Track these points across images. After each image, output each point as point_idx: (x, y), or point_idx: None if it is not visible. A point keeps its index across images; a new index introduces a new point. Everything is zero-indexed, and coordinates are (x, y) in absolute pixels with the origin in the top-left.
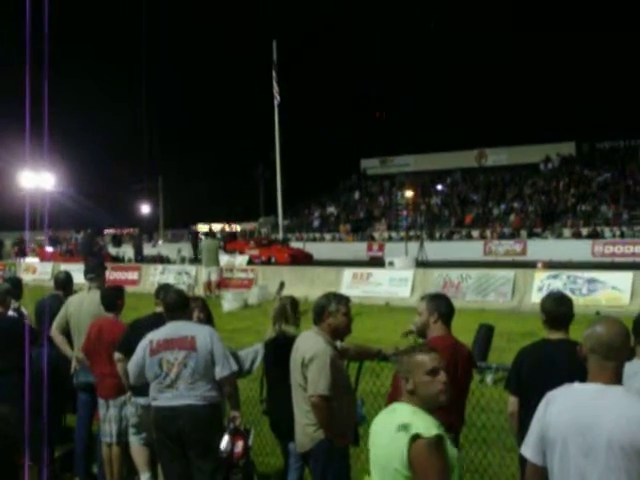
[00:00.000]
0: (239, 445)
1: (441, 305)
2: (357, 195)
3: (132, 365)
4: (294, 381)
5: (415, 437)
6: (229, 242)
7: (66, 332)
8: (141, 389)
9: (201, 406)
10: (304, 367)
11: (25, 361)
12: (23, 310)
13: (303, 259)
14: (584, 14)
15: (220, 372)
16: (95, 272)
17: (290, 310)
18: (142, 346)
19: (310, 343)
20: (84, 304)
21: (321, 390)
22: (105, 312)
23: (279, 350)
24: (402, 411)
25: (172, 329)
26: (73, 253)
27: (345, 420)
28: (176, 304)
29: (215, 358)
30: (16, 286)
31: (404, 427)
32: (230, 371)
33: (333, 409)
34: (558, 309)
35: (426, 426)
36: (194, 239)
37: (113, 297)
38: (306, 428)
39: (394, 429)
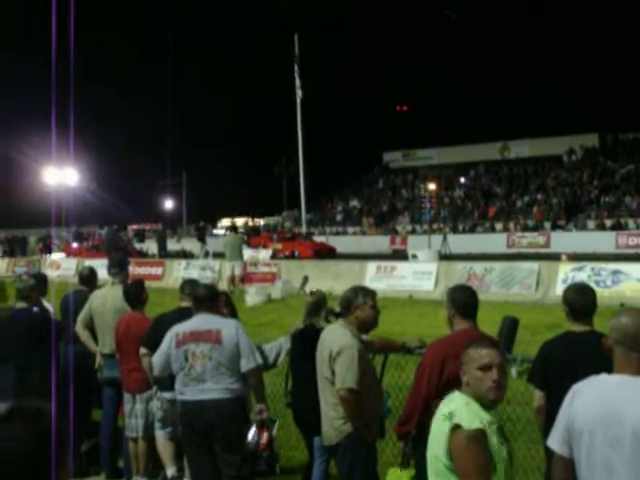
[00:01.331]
0: (264, 437)
1: (457, 297)
2: (380, 188)
3: (158, 356)
4: (320, 374)
5: (455, 427)
6: (252, 237)
7: (90, 327)
8: (167, 384)
9: (226, 399)
10: (331, 360)
11: (52, 357)
12: (47, 305)
13: (326, 253)
14: (605, 4)
15: (246, 365)
16: (118, 267)
17: (323, 304)
18: (168, 338)
19: (337, 336)
20: (108, 299)
21: (349, 383)
22: (130, 308)
23: (307, 342)
24: (455, 400)
25: (199, 322)
26: (100, 249)
27: (372, 413)
28: (206, 296)
29: (241, 351)
30: (41, 282)
31: (449, 416)
32: (255, 364)
33: (361, 402)
34: (581, 300)
35: (470, 418)
36: (201, 235)
37: (138, 293)
38: (334, 421)
39: (442, 416)
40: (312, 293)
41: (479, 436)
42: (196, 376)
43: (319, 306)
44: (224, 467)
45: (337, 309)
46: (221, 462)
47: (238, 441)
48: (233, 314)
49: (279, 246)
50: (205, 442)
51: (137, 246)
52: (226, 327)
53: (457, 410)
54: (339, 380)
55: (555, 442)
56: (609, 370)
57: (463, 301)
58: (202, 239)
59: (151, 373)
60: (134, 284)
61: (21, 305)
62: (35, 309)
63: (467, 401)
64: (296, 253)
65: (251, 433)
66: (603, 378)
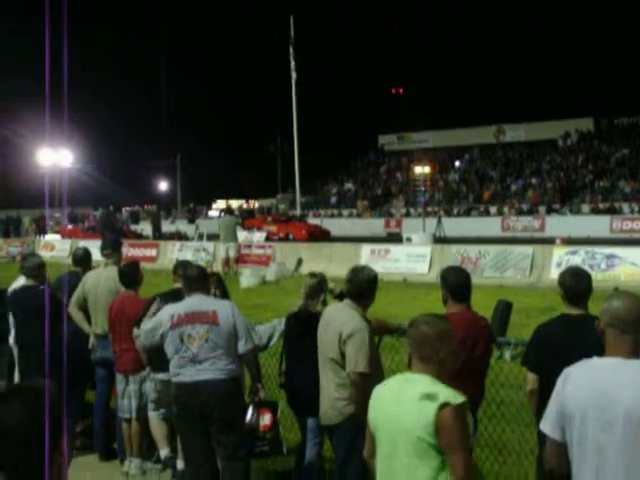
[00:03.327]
0: (266, 418)
1: (449, 279)
2: (375, 171)
3: (147, 328)
4: (325, 355)
5: (444, 405)
6: (247, 219)
7: (84, 308)
8: (160, 365)
9: (222, 380)
10: (341, 342)
11: (59, 336)
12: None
13: (321, 235)
14: None
15: (243, 346)
16: (111, 248)
17: (324, 287)
18: (162, 315)
19: (347, 317)
20: (101, 280)
21: (361, 367)
22: (124, 288)
23: (301, 325)
24: (422, 381)
25: (193, 303)
26: (96, 230)
27: None
28: (196, 278)
29: (238, 332)
30: None
31: (429, 396)
32: (253, 345)
33: (368, 386)
34: (577, 284)
35: (453, 394)
36: (192, 217)
37: (133, 273)
38: (336, 402)
39: (417, 398)
40: (313, 275)
41: (463, 409)
42: (192, 358)
43: (320, 289)
44: (220, 448)
45: (337, 290)
46: (217, 443)
47: (234, 422)
48: (224, 296)
49: (273, 228)
50: (200, 423)
51: (132, 227)
52: (222, 308)
53: (435, 390)
54: (351, 363)
55: (547, 425)
56: (603, 353)
57: (455, 283)
58: (192, 221)
59: (144, 354)
60: (130, 265)
61: (29, 283)
62: (42, 287)
63: (432, 380)
64: (290, 235)
65: (249, 413)
66: (595, 361)
